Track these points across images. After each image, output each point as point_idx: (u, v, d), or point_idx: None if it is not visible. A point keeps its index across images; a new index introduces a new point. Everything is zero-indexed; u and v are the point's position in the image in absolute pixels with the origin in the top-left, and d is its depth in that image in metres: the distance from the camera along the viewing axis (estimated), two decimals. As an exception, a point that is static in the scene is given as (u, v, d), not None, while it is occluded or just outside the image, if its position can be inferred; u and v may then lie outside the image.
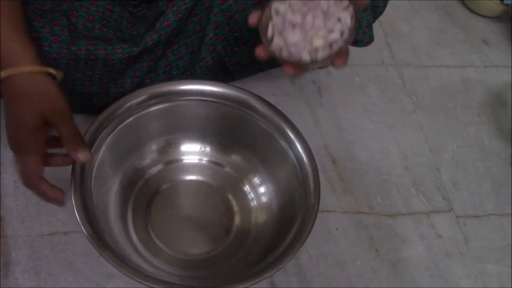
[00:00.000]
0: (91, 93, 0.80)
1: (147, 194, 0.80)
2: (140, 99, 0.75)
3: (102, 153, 0.72)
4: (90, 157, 0.65)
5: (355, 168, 0.94)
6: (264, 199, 0.81)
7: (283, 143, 0.76)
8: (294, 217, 0.71)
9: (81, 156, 0.63)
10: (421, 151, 1.00)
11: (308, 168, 0.74)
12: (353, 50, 1.05)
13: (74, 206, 0.64)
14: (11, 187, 0.78)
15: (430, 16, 1.26)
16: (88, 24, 0.75)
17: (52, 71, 0.61)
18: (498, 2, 1.27)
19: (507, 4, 1.28)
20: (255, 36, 0.83)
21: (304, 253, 0.81)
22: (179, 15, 0.79)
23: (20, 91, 0.59)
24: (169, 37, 0.80)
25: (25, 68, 0.58)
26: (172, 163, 0.84)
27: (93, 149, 0.70)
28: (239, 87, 0.78)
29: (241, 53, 0.86)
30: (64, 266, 0.73)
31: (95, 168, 0.70)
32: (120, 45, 0.76)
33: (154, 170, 0.82)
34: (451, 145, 1.02)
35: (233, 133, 0.82)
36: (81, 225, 0.63)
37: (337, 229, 0.85)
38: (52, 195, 0.63)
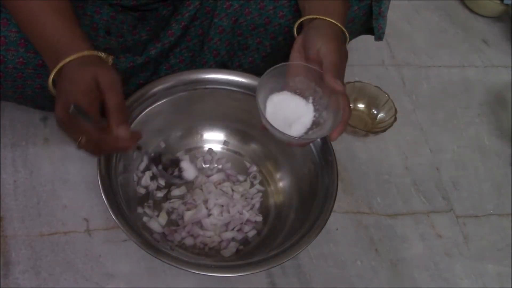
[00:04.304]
0: None
1: (168, 180, 0.81)
2: (167, 85, 0.77)
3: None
4: (127, 134, 0.61)
5: (355, 168, 0.94)
6: (281, 185, 0.83)
7: None
8: (315, 196, 0.74)
9: (121, 131, 0.60)
10: (421, 151, 1.00)
11: (325, 152, 0.76)
12: (353, 50, 1.05)
13: (101, 186, 0.65)
14: (11, 187, 0.78)
15: (430, 16, 1.27)
16: (92, 33, 0.76)
17: (103, 55, 0.64)
18: (498, 2, 1.27)
19: (507, 4, 1.28)
20: (258, 41, 0.84)
21: (304, 253, 0.81)
22: (182, 23, 0.80)
23: (78, 65, 0.61)
24: (173, 45, 0.80)
25: (84, 52, 0.62)
26: (195, 150, 0.86)
27: None
28: None
29: (243, 57, 0.87)
30: (64, 266, 0.73)
31: None
32: (124, 54, 0.76)
33: (177, 156, 0.84)
34: (451, 145, 1.02)
35: (254, 122, 0.83)
36: (108, 206, 0.64)
37: (337, 229, 0.85)
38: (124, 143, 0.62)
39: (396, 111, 0.97)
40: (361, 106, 1.01)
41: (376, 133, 0.96)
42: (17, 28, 0.68)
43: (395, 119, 0.96)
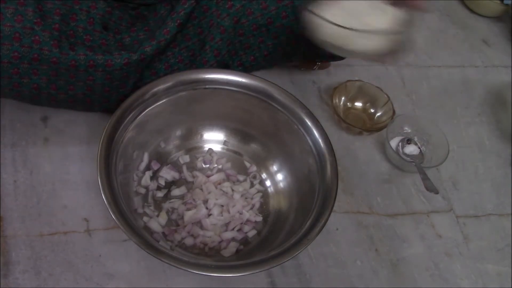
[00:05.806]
0: (93, 101, 0.81)
1: (169, 180, 0.82)
2: (167, 85, 0.77)
3: (128, 134, 0.74)
4: None
5: (355, 168, 0.94)
6: (281, 185, 0.83)
7: (301, 131, 0.79)
8: (315, 196, 0.74)
9: None
10: (421, 151, 1.00)
11: (325, 152, 0.76)
12: (353, 50, 1.05)
13: (100, 186, 0.65)
14: (11, 187, 0.78)
15: (430, 16, 1.26)
16: (89, 27, 0.75)
17: None
18: (498, 2, 1.27)
19: (507, 4, 1.28)
20: (260, 41, 0.84)
21: (304, 253, 0.81)
22: (178, 21, 0.79)
23: None
24: (169, 43, 0.80)
25: None
26: (195, 150, 0.86)
27: (120, 129, 0.71)
28: (262, 78, 0.80)
29: (245, 56, 0.87)
30: (64, 266, 0.73)
31: (121, 148, 0.72)
32: (119, 51, 0.76)
33: (177, 156, 0.84)
34: (451, 145, 1.02)
35: (254, 122, 0.84)
36: (107, 206, 0.64)
37: (337, 229, 0.85)
38: None
39: (394, 113, 0.97)
40: (358, 104, 1.01)
41: (370, 132, 0.97)
42: (11, 23, 0.67)
43: (392, 121, 0.97)
